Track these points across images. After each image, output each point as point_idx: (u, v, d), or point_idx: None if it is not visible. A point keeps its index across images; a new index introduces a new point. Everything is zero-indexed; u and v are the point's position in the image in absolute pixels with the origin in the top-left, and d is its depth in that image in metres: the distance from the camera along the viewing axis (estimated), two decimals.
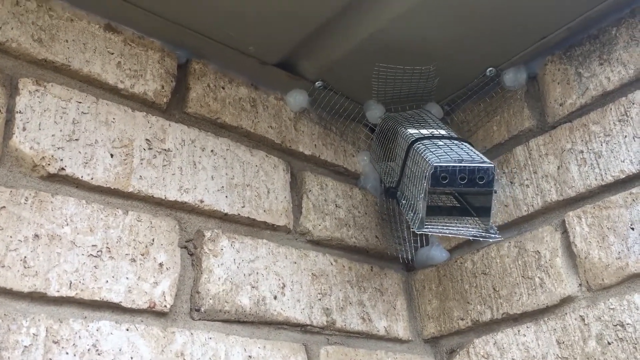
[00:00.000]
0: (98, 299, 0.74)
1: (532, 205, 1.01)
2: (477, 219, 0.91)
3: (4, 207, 0.71)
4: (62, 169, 0.77)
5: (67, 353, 0.69)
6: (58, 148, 0.78)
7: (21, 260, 0.70)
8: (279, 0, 0.88)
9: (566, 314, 0.93)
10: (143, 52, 0.92)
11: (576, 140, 0.97)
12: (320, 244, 1.04)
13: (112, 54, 0.88)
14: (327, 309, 0.99)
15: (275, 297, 0.92)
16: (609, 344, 0.87)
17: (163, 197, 0.86)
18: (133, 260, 0.79)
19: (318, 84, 1.07)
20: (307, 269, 0.99)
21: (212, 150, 0.94)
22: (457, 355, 1.06)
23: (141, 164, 0.85)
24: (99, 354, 0.72)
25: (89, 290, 0.74)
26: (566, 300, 0.93)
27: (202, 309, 0.84)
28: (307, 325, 0.95)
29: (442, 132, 0.97)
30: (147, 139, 0.87)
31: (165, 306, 0.80)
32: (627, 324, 0.85)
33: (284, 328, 0.93)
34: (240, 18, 0.92)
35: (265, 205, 0.97)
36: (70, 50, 0.84)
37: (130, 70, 0.89)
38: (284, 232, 0.99)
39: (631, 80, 0.93)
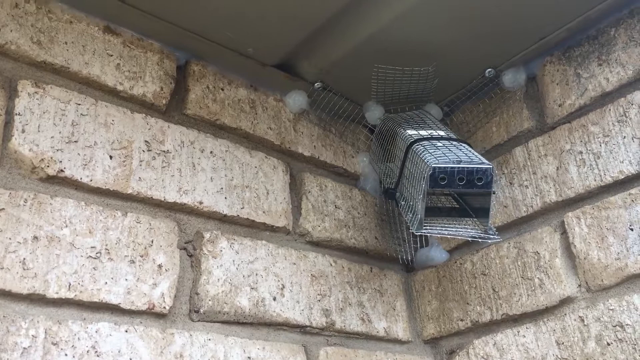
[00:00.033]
0: (97, 300, 0.74)
1: (532, 206, 1.01)
2: (476, 219, 0.91)
3: (3, 209, 0.71)
4: (61, 170, 0.77)
5: (66, 354, 0.69)
6: (57, 150, 0.78)
7: (20, 262, 0.70)
8: (277, 2, 0.89)
9: (565, 314, 0.93)
10: (142, 53, 0.92)
11: (575, 141, 0.97)
12: (319, 245, 1.04)
13: (111, 55, 0.88)
14: (327, 310, 0.99)
15: (274, 298, 0.92)
16: (608, 344, 0.87)
17: (162, 199, 0.86)
18: (132, 261, 0.79)
19: (317, 85, 1.07)
20: (306, 270, 0.99)
21: (211, 152, 0.94)
22: (457, 356, 1.06)
23: (140, 165, 0.85)
24: (98, 356, 0.72)
25: (88, 291, 0.74)
26: (565, 301, 0.93)
27: (201, 310, 0.84)
28: (307, 326, 0.95)
29: (441, 133, 0.97)
30: (146, 141, 0.87)
31: (164, 307, 0.80)
32: (627, 325, 0.85)
33: (284, 329, 0.93)
34: (239, 19, 0.92)
35: (264, 207, 0.98)
36: (70, 52, 0.84)
37: (129, 72, 0.89)
38: (283, 233, 1.00)
39: (630, 80, 0.93)
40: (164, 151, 0.89)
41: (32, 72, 0.80)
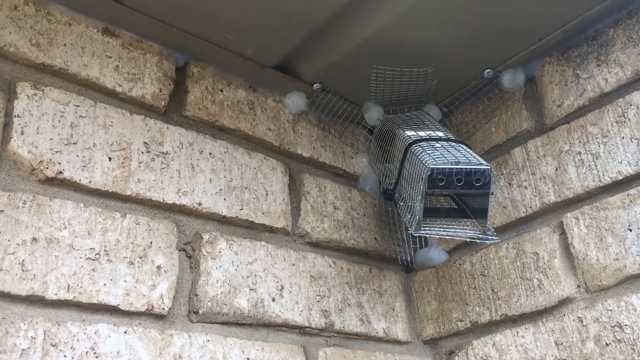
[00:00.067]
0: (96, 302, 0.75)
1: (531, 207, 1.01)
2: (474, 220, 0.91)
3: (2, 210, 0.71)
4: (60, 172, 0.77)
5: (65, 356, 0.70)
6: (56, 152, 0.78)
7: (19, 263, 0.70)
8: (276, 3, 0.89)
9: (564, 315, 0.93)
10: (141, 55, 0.92)
11: (574, 142, 0.97)
12: (318, 246, 1.04)
13: (110, 57, 0.88)
14: (326, 310, 0.99)
15: (273, 299, 0.93)
16: (607, 345, 0.87)
17: (161, 200, 0.86)
18: (131, 263, 0.80)
19: (316, 86, 1.07)
20: (305, 271, 0.99)
21: (210, 153, 0.95)
22: (456, 357, 1.06)
23: (139, 167, 0.85)
24: (97, 357, 0.72)
25: (87, 293, 0.74)
26: (564, 302, 0.93)
27: (201, 312, 0.84)
28: (306, 327, 0.95)
29: (440, 134, 0.98)
30: (145, 142, 0.88)
31: (163, 309, 0.80)
32: (625, 325, 0.85)
33: (283, 330, 0.93)
34: (238, 21, 0.92)
35: (263, 208, 0.98)
36: (69, 54, 0.84)
37: (128, 74, 0.90)
38: (282, 234, 1.00)
39: (628, 81, 0.93)
40: (163, 152, 0.89)
41: (31, 74, 0.81)
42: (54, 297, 0.72)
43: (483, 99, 1.12)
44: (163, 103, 0.92)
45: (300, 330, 0.95)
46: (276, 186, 1.01)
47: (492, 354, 1.00)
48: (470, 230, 0.91)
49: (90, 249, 0.77)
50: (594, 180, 0.93)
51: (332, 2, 0.89)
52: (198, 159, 0.93)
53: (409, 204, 0.92)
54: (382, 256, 1.13)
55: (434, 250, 1.13)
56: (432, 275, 1.13)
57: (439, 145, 0.91)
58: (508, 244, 1.03)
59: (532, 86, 1.07)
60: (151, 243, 0.83)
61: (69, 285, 0.73)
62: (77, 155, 0.80)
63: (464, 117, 1.16)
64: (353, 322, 1.02)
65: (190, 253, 0.87)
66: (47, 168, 0.76)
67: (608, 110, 0.94)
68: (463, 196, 0.94)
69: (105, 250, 0.78)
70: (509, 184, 1.05)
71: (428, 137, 0.96)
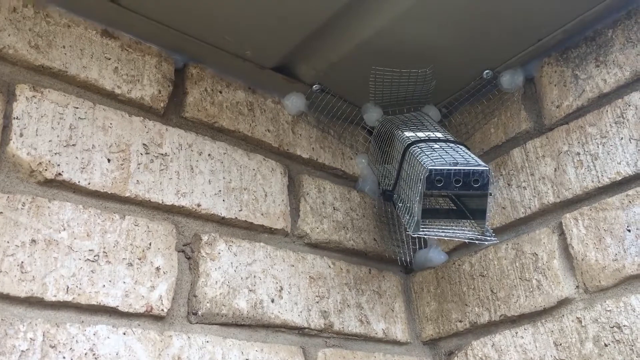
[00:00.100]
0: (95, 303, 0.75)
1: (530, 207, 1.01)
2: (473, 221, 0.91)
3: (1, 212, 0.71)
4: (59, 174, 0.78)
5: (64, 357, 0.70)
6: (55, 153, 0.78)
7: (18, 265, 0.70)
8: (275, 4, 0.89)
9: (563, 315, 0.93)
10: (140, 57, 0.92)
11: (573, 142, 0.97)
12: (318, 247, 1.04)
13: (109, 59, 0.89)
14: (325, 311, 0.99)
15: (272, 300, 0.93)
16: (605, 345, 0.87)
17: (160, 202, 0.86)
18: (130, 264, 0.80)
19: (315, 87, 1.07)
20: (304, 272, 0.99)
21: (209, 154, 0.95)
22: (456, 357, 1.06)
23: (138, 168, 0.85)
24: (96, 358, 0.72)
25: (86, 294, 0.74)
26: (563, 302, 0.94)
27: (200, 313, 0.84)
28: (305, 328, 0.95)
29: (439, 134, 0.98)
30: (144, 144, 0.88)
31: (162, 310, 0.81)
32: (624, 326, 0.85)
33: (282, 331, 0.93)
34: (236, 22, 0.92)
35: (262, 209, 0.98)
36: (68, 56, 0.84)
37: (127, 76, 0.90)
38: (281, 235, 1.00)
39: (627, 82, 0.93)
40: (162, 154, 0.89)
41: (30, 76, 0.81)
42: (53, 299, 0.72)
43: (482, 99, 1.12)
44: (162, 104, 0.92)
45: (300, 331, 0.95)
46: (275, 187, 1.02)
47: (491, 354, 1.00)
48: (469, 231, 0.91)
49: (89, 250, 0.77)
50: (592, 181, 0.93)
51: (332, 3, 0.89)
52: (197, 160, 0.93)
53: (408, 205, 0.92)
54: (381, 257, 1.13)
55: (433, 251, 1.13)
56: (431, 276, 1.13)
57: (437, 146, 0.91)
58: (507, 244, 1.03)
59: (531, 87, 1.07)
60: (150, 244, 0.83)
61: (68, 287, 0.73)
62: (76, 157, 0.80)
63: (463, 118, 1.16)
64: (352, 323, 1.02)
65: (189, 254, 0.88)
66: (46, 170, 0.77)
67: (607, 111, 0.94)
68: (462, 197, 0.94)
69: (104, 252, 0.78)
70: (508, 184, 1.05)
71: (427, 138, 0.96)
